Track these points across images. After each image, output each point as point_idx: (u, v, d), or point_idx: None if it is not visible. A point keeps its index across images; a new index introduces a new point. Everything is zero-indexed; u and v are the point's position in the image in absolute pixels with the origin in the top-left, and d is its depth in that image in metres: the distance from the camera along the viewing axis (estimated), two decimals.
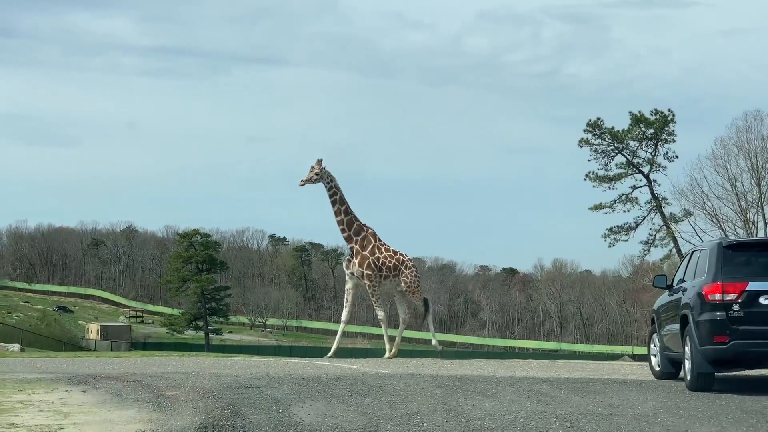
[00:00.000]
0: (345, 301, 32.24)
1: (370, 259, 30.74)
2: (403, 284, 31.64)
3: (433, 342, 35.10)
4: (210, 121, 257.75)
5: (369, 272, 30.75)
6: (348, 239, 31.10)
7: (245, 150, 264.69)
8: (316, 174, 30.42)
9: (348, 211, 30.87)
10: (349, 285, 31.77)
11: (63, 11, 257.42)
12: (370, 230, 31.21)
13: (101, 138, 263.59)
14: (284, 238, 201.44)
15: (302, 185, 30.73)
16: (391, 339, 32.70)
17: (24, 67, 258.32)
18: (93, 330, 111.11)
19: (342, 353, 34.40)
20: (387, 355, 31.72)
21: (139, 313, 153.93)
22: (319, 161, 30.56)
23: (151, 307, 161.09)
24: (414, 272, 32.15)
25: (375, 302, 31.87)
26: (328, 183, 30.62)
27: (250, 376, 18.25)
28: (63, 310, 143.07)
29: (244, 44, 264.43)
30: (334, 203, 30.72)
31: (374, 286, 31.06)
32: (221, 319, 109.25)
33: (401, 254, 32.15)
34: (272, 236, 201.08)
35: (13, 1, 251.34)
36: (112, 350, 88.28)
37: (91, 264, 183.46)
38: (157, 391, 15.31)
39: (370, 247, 30.99)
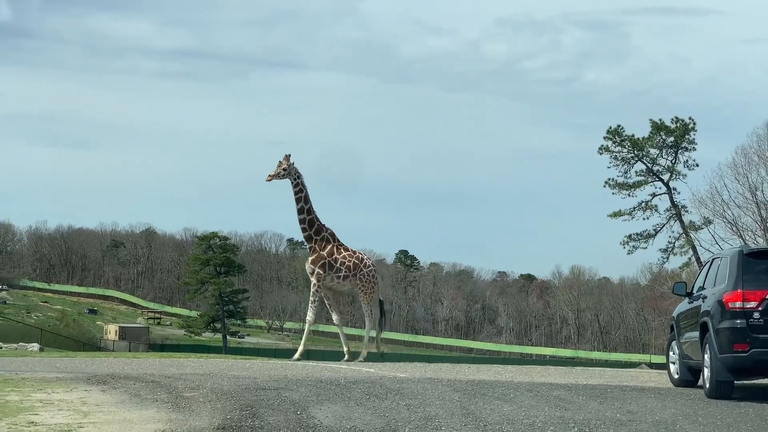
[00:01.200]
0: (311, 303, 31.77)
1: (326, 260, 30.44)
2: (360, 286, 31.42)
3: (364, 351, 34.18)
4: (229, 124, 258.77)
5: (320, 271, 30.42)
6: (308, 239, 30.80)
7: (264, 153, 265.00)
8: (284, 169, 30.01)
9: (311, 211, 30.57)
10: (313, 289, 31.45)
11: (84, 13, 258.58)
12: (329, 231, 30.96)
13: (121, 140, 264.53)
14: (302, 243, 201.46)
15: (269, 180, 30.28)
16: (350, 340, 33.00)
17: (45, 69, 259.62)
18: (111, 331, 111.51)
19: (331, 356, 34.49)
20: (346, 357, 31.39)
21: (157, 315, 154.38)
22: (287, 156, 30.16)
23: (169, 309, 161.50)
24: (372, 271, 31.95)
25: (312, 303, 31.39)
26: (294, 179, 30.26)
27: (267, 378, 18.28)
28: (92, 312, 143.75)
29: (263, 48, 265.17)
30: (298, 201, 30.38)
31: (319, 287, 30.68)
32: (239, 322, 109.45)
33: (361, 253, 32.09)
34: (290, 240, 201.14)
35: (35, 3, 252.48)
36: (130, 351, 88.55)
37: (110, 265, 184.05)
38: (175, 392, 15.35)
39: (329, 247, 30.73)
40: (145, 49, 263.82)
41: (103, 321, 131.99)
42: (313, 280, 30.64)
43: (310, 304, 31.70)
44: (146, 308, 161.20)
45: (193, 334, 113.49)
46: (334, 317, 32.08)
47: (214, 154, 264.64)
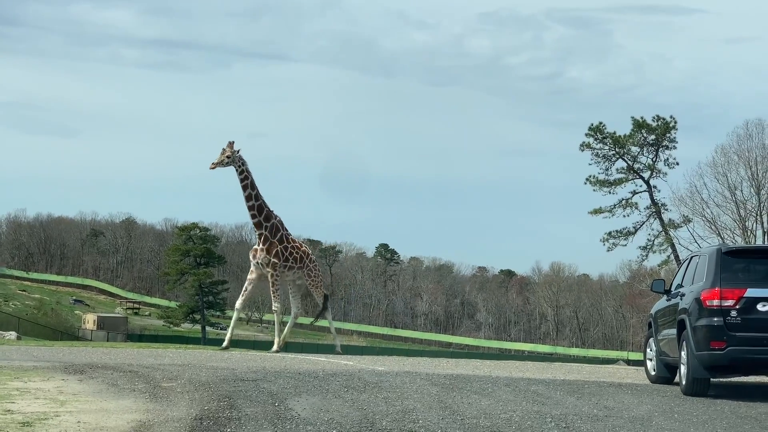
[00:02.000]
0: (244, 289, 31.46)
1: (278, 248, 30.14)
2: (307, 277, 31.22)
3: (336, 342, 34.43)
4: (210, 115, 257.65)
5: (276, 261, 30.10)
6: (258, 225, 30.36)
7: (246, 145, 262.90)
8: (228, 157, 29.57)
9: (258, 197, 30.18)
10: (254, 275, 30.99)
11: (66, 1, 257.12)
12: (278, 218, 30.64)
13: (101, 129, 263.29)
14: None
15: (213, 168, 29.77)
16: (281, 331, 32.14)
17: (25, 56, 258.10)
18: (89, 320, 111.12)
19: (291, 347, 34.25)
20: (275, 348, 31.24)
21: (136, 305, 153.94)
22: (231, 144, 29.74)
23: (148, 299, 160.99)
24: (317, 266, 31.91)
25: (274, 292, 31.03)
26: (239, 167, 29.82)
27: (246, 370, 18.28)
28: (79, 303, 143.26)
29: (246, 39, 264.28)
30: (245, 188, 29.95)
31: (277, 275, 30.39)
32: (218, 313, 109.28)
33: (305, 246, 31.98)
34: None
35: None
36: (108, 341, 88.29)
37: (89, 254, 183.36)
38: (153, 382, 15.34)
39: (279, 235, 30.42)
40: (127, 37, 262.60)
41: (82, 311, 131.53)
42: (270, 269, 30.15)
43: (273, 295, 31.15)
44: (125, 298, 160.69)
45: (172, 325, 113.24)
46: (276, 305, 31.64)
47: (195, 145, 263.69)
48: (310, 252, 31.96)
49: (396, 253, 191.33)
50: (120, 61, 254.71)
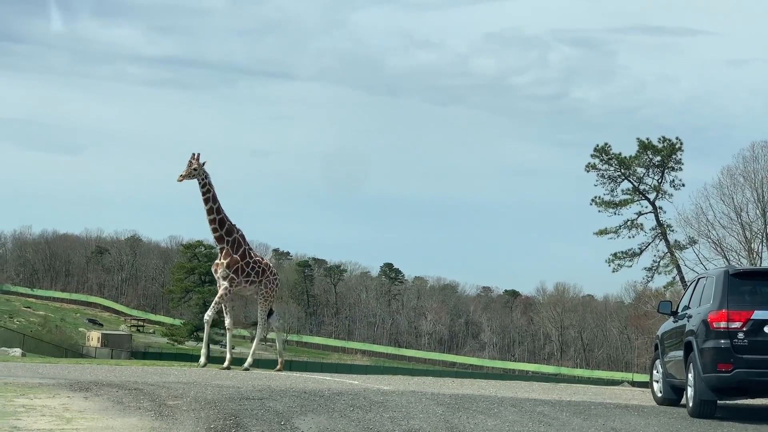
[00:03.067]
0: (214, 303, 30.58)
1: (240, 264, 29.66)
2: (263, 287, 30.91)
3: (255, 349, 33.79)
4: (215, 132, 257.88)
5: (234, 276, 29.58)
6: (219, 239, 29.79)
7: (250, 163, 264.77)
8: (194, 169, 29.10)
9: (220, 210, 29.73)
10: (221, 292, 30.16)
11: (72, 19, 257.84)
12: (240, 232, 30.16)
13: (107, 146, 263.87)
14: (288, 253, 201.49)
15: (180, 181, 29.23)
16: (256, 350, 32.13)
17: (32, 73, 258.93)
18: (94, 337, 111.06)
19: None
20: (226, 364, 30.41)
21: (140, 323, 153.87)
22: (197, 156, 29.25)
23: (152, 317, 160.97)
24: (276, 279, 31.65)
25: (215, 304, 30.39)
26: (202, 179, 29.33)
27: (251, 388, 18.24)
28: (93, 323, 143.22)
29: (252, 57, 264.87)
30: (207, 201, 29.42)
31: (230, 291, 29.82)
32: (222, 331, 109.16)
33: (266, 260, 31.73)
34: (276, 250, 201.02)
35: (23, 8, 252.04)
36: (112, 358, 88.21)
37: (94, 272, 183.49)
38: (159, 400, 15.31)
39: (241, 250, 29.96)
40: (133, 55, 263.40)
41: (86, 327, 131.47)
42: (226, 283, 29.50)
43: (214, 304, 30.46)
44: (129, 315, 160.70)
45: (176, 343, 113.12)
46: (228, 321, 31.22)
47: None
48: (271, 266, 31.78)
49: (400, 272, 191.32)
50: (126, 78, 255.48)
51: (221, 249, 29.93)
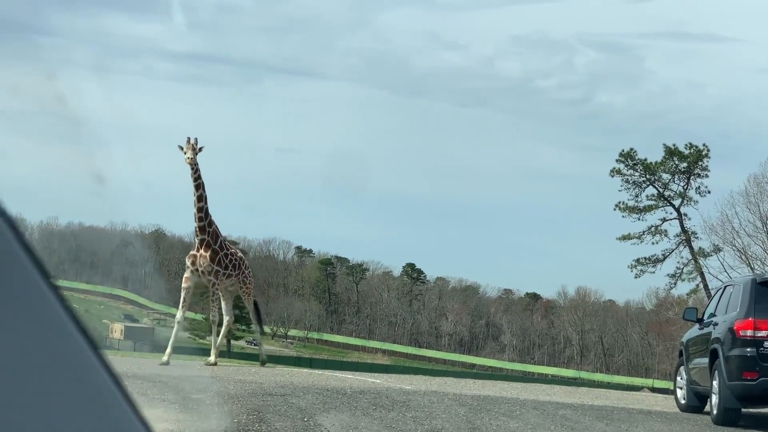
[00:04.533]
0: (183, 300, 29.13)
1: (220, 254, 28.65)
2: (242, 284, 30.23)
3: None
4: (240, 129, 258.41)
5: (218, 269, 28.56)
6: (201, 230, 28.59)
7: (275, 160, 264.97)
8: (195, 152, 27.83)
9: (206, 200, 28.69)
10: (190, 283, 28.92)
11: (101, 13, 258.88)
12: (215, 224, 29.12)
13: (133, 140, 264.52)
14: (310, 251, 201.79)
15: (190, 162, 27.84)
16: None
17: (60, 67, 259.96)
18: (117, 330, 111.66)
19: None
20: (212, 360, 29.56)
21: (162, 316, 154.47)
22: (195, 141, 27.95)
23: (174, 311, 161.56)
24: (251, 273, 31.09)
25: (214, 302, 29.76)
26: (196, 164, 28.19)
27: (274, 384, 18.29)
28: (129, 319, 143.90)
29: (277, 55, 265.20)
30: (198, 187, 28.35)
31: (218, 284, 28.88)
32: (243, 327, 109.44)
33: (240, 252, 31.00)
34: (298, 248, 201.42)
35: (52, 1, 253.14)
36: (135, 351, 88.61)
37: (118, 264, 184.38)
38: (183, 393, 15.38)
39: (219, 241, 29.00)
40: (160, 51, 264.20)
41: (109, 319, 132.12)
42: (212, 278, 28.70)
43: (212, 304, 29.93)
44: (152, 309, 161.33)
45: (197, 338, 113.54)
46: (214, 315, 30.43)
47: (224, 159, 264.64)
48: (244, 258, 31.19)
49: (422, 272, 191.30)
50: (152, 74, 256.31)
51: (201, 240, 28.70)
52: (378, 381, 23.27)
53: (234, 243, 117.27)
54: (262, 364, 31.65)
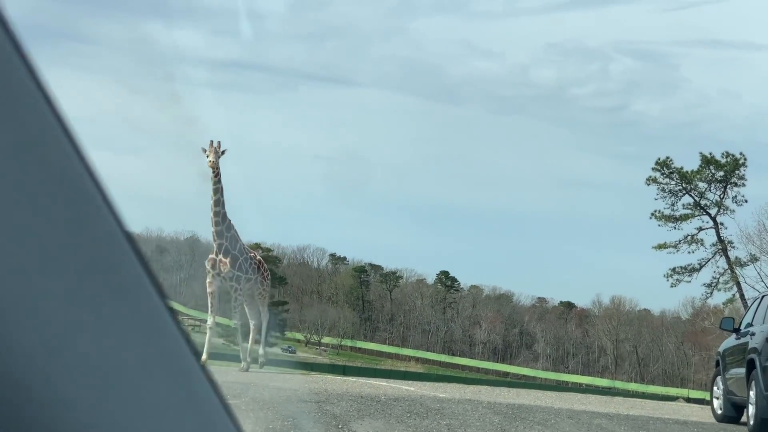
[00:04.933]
0: (210, 306, 29.29)
1: (240, 260, 28.39)
2: (260, 285, 29.96)
3: (261, 351, 32.72)
4: (275, 136, 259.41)
5: (239, 274, 28.35)
6: (219, 234, 28.14)
7: (311, 167, 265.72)
8: (218, 156, 27.31)
9: (224, 204, 28.09)
10: (213, 287, 28.59)
11: (137, 21, 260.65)
12: (233, 228, 28.65)
13: (167, 147, 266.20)
14: (344, 258, 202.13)
15: (212, 165, 27.31)
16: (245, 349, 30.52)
17: (98, 74, 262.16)
18: None
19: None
20: (243, 366, 29.34)
21: (197, 322, 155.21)
22: (218, 143, 27.35)
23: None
24: (268, 275, 30.85)
25: (236, 307, 29.39)
26: (217, 169, 27.66)
27: (308, 391, 18.32)
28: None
29: (312, 62, 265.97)
30: (216, 192, 27.70)
31: (241, 290, 28.59)
32: (277, 334, 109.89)
33: (258, 255, 30.80)
34: (333, 255, 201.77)
35: (89, 9, 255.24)
36: None
37: (154, 270, 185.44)
38: None
39: (238, 246, 28.62)
40: (196, 58, 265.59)
41: None
42: (234, 283, 28.53)
43: (234, 310, 29.59)
44: (187, 315, 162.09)
45: (231, 344, 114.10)
46: (236, 322, 30.30)
47: (259, 165, 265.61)
48: (263, 261, 31.00)
49: (456, 280, 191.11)
50: (188, 80, 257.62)
51: (220, 245, 28.26)
52: (412, 388, 23.26)
53: (268, 250, 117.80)
54: (261, 366, 31.67)
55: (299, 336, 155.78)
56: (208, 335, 29.28)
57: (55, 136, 0.76)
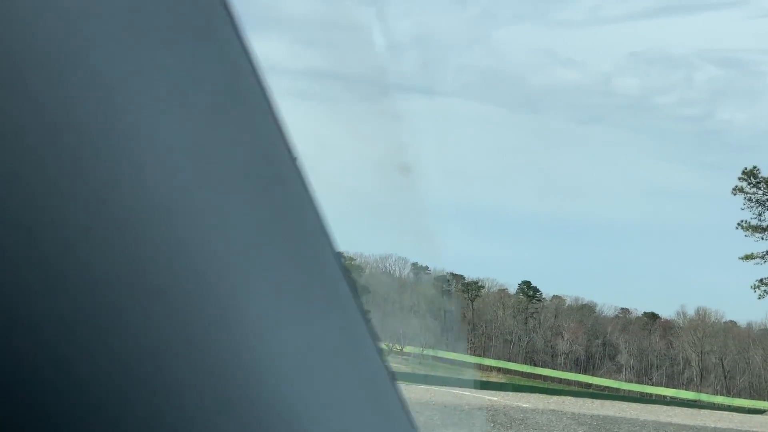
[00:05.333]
0: None
1: None
2: None
3: None
4: (360, 146, 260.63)
5: None
6: None
7: (395, 177, 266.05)
8: None
9: None
10: None
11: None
12: None
13: None
14: (426, 267, 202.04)
15: None
16: None
17: None
18: None
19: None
20: None
21: None
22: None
23: None
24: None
25: None
26: None
27: None
28: None
29: (393, 72, 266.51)
30: None
31: None
32: None
33: None
34: (414, 264, 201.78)
35: None
36: None
37: None
38: None
39: None
40: (278, 68, 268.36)
41: None
42: None
43: None
44: None
45: None
46: None
47: (345, 175, 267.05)
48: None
49: (538, 290, 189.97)
50: (273, 91, 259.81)
51: None
52: (495, 398, 23.26)
53: (351, 259, 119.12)
54: None
55: (383, 346, 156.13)
56: None
57: (273, 133, 0.79)
